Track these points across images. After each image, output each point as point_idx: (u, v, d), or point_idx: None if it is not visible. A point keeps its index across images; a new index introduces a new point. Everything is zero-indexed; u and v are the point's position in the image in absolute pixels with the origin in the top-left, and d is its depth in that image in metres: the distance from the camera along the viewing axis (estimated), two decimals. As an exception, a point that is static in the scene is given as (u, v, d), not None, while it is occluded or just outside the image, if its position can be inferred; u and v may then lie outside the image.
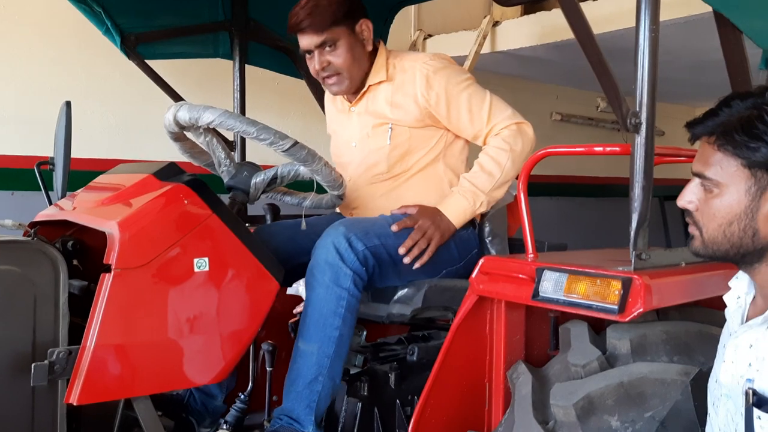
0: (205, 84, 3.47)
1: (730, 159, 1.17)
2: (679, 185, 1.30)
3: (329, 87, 2.22)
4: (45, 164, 2.09)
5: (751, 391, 1.14)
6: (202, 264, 1.55)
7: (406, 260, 2.01)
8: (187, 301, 1.55)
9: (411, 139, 2.17)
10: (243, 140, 2.97)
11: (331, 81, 2.18)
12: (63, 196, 2.03)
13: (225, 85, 3.04)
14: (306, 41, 2.12)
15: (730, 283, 1.34)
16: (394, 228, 2.02)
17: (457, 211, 2.10)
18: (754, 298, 1.27)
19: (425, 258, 2.04)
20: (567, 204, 5.27)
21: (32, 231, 1.45)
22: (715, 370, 1.30)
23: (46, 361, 1.39)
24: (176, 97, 2.81)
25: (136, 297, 1.46)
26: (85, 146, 3.24)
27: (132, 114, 3.54)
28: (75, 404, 1.40)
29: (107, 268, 1.45)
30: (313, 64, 2.16)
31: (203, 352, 1.58)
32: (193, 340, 1.56)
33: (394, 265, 2.01)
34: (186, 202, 1.57)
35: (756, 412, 1.12)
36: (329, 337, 1.84)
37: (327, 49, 2.12)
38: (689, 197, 1.24)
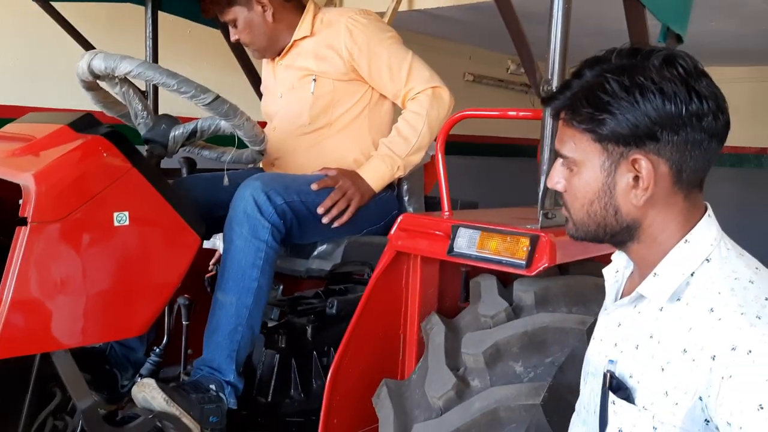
0: (114, 31, 3.32)
1: (581, 135, 1.07)
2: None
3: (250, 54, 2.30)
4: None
5: (609, 374, 1.09)
6: (122, 218, 1.53)
7: (325, 220, 2.06)
8: (107, 255, 1.53)
9: (335, 91, 2.20)
10: (156, 91, 2.87)
11: (248, 50, 2.33)
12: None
13: (135, 33, 2.92)
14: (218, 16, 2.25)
15: (612, 257, 1.27)
16: (314, 186, 2.06)
17: (376, 174, 2.16)
18: (632, 273, 1.20)
19: (344, 219, 2.09)
20: (478, 163, 5.43)
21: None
22: (589, 347, 1.26)
23: (-41, 315, 1.35)
24: (85, 44, 2.68)
25: (54, 251, 1.44)
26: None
27: (36, 59, 3.34)
28: (-9, 358, 1.38)
29: (23, 221, 1.41)
30: (231, 35, 2.29)
31: (123, 305, 1.57)
32: (113, 293, 1.55)
33: (314, 222, 2.05)
34: (105, 154, 1.54)
35: (611, 396, 1.07)
36: (248, 288, 1.87)
37: (232, 26, 2.25)
38: (556, 178, 1.14)
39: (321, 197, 2.05)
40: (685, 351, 0.98)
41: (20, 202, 1.53)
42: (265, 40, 2.26)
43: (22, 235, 1.40)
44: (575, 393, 1.59)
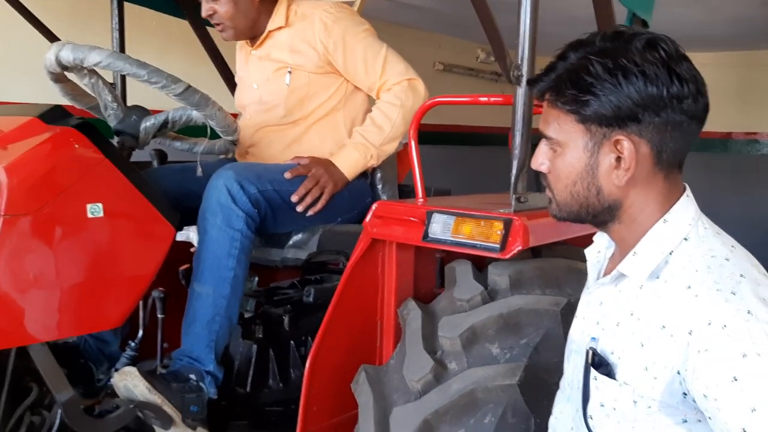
0: (78, 22, 3.26)
1: (564, 116, 1.09)
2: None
3: (220, 33, 2.22)
4: None
5: (591, 351, 1.11)
6: (95, 210, 1.52)
7: (299, 208, 2.06)
8: (81, 247, 1.52)
9: (310, 84, 2.20)
10: (124, 83, 2.84)
11: (219, 29, 2.20)
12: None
13: (101, 25, 2.87)
14: None
15: (594, 237, 1.29)
16: (287, 175, 2.06)
17: (349, 162, 2.17)
18: (613, 253, 1.22)
19: (318, 206, 2.09)
20: (448, 152, 5.46)
21: None
22: (572, 326, 1.29)
23: (-69, 311, 1.33)
24: (49, 35, 2.63)
25: (28, 244, 1.42)
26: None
27: (-2, 52, 3.28)
28: (-34, 354, 1.36)
29: (-3, 214, 1.39)
30: (203, 9, 2.17)
31: (99, 298, 1.56)
32: (88, 286, 1.54)
33: (288, 211, 2.05)
34: (76, 146, 1.52)
35: (593, 372, 1.10)
36: (224, 278, 1.87)
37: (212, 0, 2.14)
38: (540, 159, 1.16)
39: (294, 186, 2.06)
40: (663, 327, 1.01)
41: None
42: (245, 21, 2.19)
43: (-6, 229, 1.38)
44: (551, 373, 1.62)
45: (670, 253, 1.07)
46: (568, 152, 1.11)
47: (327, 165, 2.12)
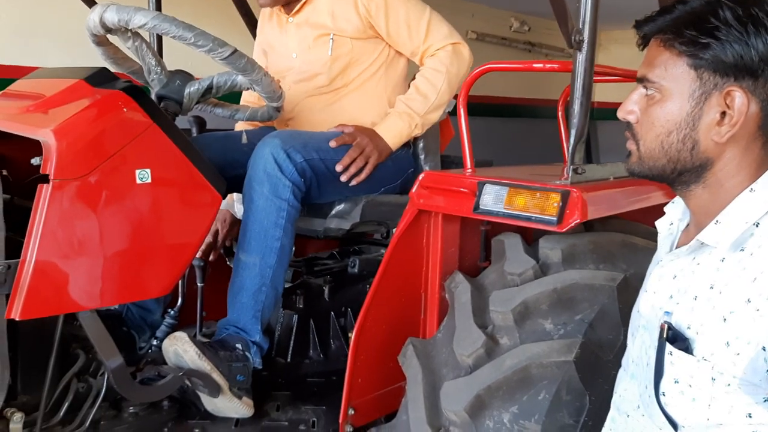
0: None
1: (676, 59, 1.03)
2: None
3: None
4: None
5: (666, 326, 1.06)
6: (144, 176, 1.48)
7: (343, 178, 2.02)
8: (129, 214, 1.49)
9: (353, 51, 2.14)
10: (160, 46, 2.80)
11: None
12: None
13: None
14: None
15: (666, 209, 1.24)
16: (332, 144, 2.01)
17: (393, 132, 2.11)
18: (687, 225, 1.17)
19: (362, 176, 2.05)
20: (486, 123, 5.37)
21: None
22: (638, 300, 1.24)
23: (-16, 275, 1.31)
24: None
25: (77, 209, 1.39)
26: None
27: (28, 17, 3.24)
28: (18, 319, 1.34)
29: (44, 179, 1.36)
30: None
31: (146, 266, 1.54)
32: (136, 253, 1.51)
33: (333, 181, 2.01)
34: (125, 110, 1.48)
35: (668, 347, 1.05)
36: (271, 248, 1.84)
37: None
38: (630, 107, 1.10)
39: (339, 155, 2.01)
40: (749, 301, 0.96)
41: (32, 161, 1.48)
42: None
43: (44, 193, 1.36)
44: (606, 350, 1.58)
45: (756, 225, 1.01)
46: (670, 99, 1.05)
47: (371, 135, 2.07)
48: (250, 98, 2.45)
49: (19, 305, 1.33)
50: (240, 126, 2.45)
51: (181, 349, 1.64)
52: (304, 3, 2.17)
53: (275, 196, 1.83)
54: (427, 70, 2.13)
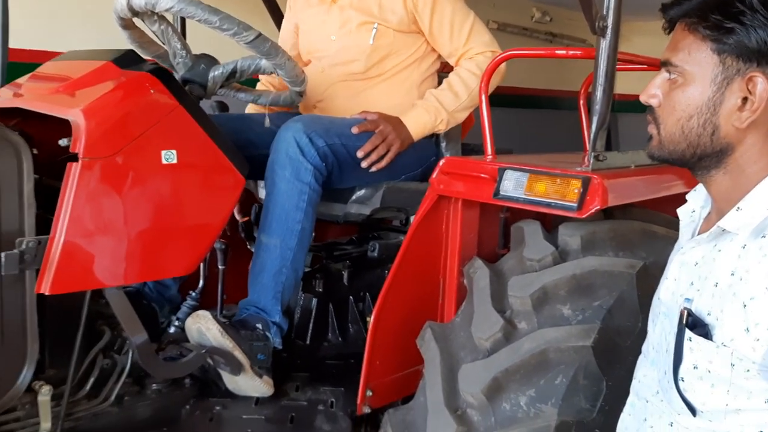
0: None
1: (700, 43, 1.04)
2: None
3: None
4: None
5: (686, 312, 1.07)
6: (170, 156, 1.51)
7: (364, 164, 2.04)
8: (155, 193, 1.52)
9: (393, 42, 2.16)
10: (183, 30, 2.82)
11: None
12: (2, 85, 1.90)
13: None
14: None
15: (688, 196, 1.24)
16: (354, 130, 2.03)
17: (418, 123, 2.13)
18: (709, 213, 1.17)
19: (383, 164, 2.07)
20: (505, 114, 5.35)
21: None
22: (659, 287, 1.24)
23: (16, 250, 1.34)
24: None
25: (105, 187, 1.42)
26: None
27: (49, 1, 3.28)
28: (47, 294, 1.38)
29: (74, 158, 1.39)
30: None
31: (172, 245, 1.57)
32: (162, 232, 1.54)
33: (354, 166, 2.03)
34: (152, 91, 1.51)
35: (688, 333, 1.06)
36: (292, 230, 1.86)
37: None
38: (653, 90, 1.11)
39: (361, 141, 2.03)
40: None
41: (60, 142, 1.51)
42: None
43: (74, 171, 1.39)
44: (624, 336, 1.59)
45: None
46: (692, 83, 1.05)
47: (395, 123, 2.09)
48: (267, 82, 2.46)
49: (49, 280, 1.37)
50: (250, 109, 2.47)
51: (204, 327, 1.68)
52: None
53: (297, 179, 1.86)
54: (464, 71, 2.15)
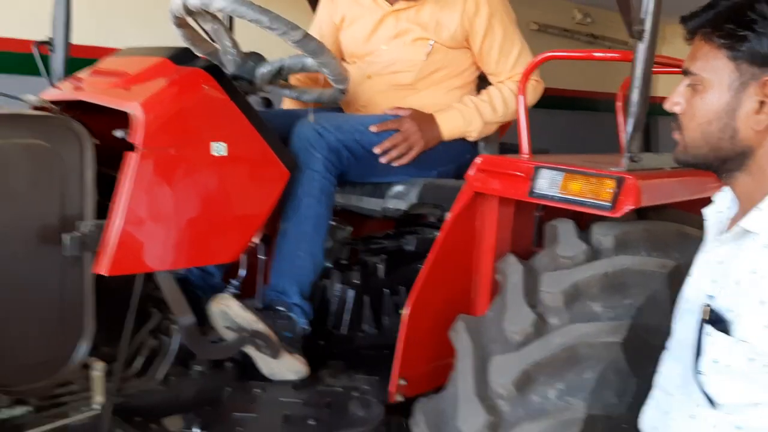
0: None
1: (716, 51, 1.09)
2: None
3: None
4: (44, 45, 2.04)
5: (708, 308, 1.11)
6: (220, 149, 1.59)
7: (383, 159, 2.10)
8: (206, 183, 1.60)
9: (445, 58, 2.23)
10: (231, 28, 2.91)
11: None
12: (62, 78, 2.01)
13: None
14: None
15: (714, 197, 1.29)
16: (374, 129, 2.10)
17: (450, 125, 2.19)
18: (735, 214, 1.20)
19: (404, 161, 2.13)
20: (541, 115, 5.35)
21: (56, 108, 1.47)
22: (684, 285, 1.29)
23: (77, 233, 1.44)
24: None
25: (160, 177, 1.51)
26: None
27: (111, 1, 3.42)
28: (106, 275, 1.47)
29: (131, 147, 1.48)
30: None
31: (219, 233, 1.65)
32: (210, 220, 1.62)
33: (374, 161, 2.09)
34: (204, 87, 1.60)
35: (708, 328, 1.10)
36: (304, 215, 1.94)
37: None
38: (676, 98, 1.16)
39: (380, 137, 2.10)
40: None
41: (115, 133, 1.60)
42: None
43: (132, 160, 1.48)
44: (654, 335, 1.61)
45: None
46: (710, 90, 1.11)
47: (425, 120, 2.15)
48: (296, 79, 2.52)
49: (106, 262, 1.46)
50: (287, 104, 2.55)
51: (225, 305, 1.76)
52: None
53: (306, 167, 1.93)
54: (507, 90, 2.23)
